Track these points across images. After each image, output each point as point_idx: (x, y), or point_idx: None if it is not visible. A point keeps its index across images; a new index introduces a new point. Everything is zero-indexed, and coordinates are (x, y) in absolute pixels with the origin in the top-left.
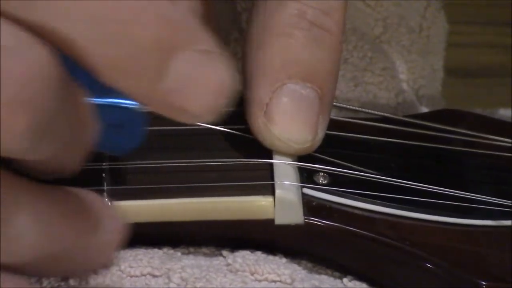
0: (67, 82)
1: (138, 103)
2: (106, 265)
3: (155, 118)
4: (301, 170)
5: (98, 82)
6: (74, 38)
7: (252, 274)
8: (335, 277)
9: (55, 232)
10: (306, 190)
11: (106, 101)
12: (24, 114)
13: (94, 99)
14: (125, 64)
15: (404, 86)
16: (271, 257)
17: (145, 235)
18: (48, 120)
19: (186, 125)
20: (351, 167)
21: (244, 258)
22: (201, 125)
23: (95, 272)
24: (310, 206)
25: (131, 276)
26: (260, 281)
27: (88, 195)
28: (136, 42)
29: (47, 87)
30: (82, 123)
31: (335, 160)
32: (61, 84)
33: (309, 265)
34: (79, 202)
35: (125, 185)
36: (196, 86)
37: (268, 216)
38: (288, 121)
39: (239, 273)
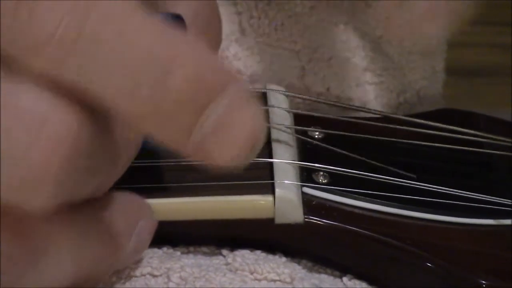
0: (103, 131)
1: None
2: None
3: None
4: (301, 169)
5: None
6: (106, 94)
7: (251, 273)
8: (334, 276)
9: (92, 255)
10: (306, 189)
11: None
12: (54, 177)
13: None
14: (159, 116)
15: (405, 86)
16: (270, 256)
17: None
18: (81, 172)
19: None
20: (351, 166)
21: (244, 257)
22: None
23: None
24: (310, 205)
25: (131, 276)
26: (259, 280)
27: (123, 197)
28: (173, 95)
29: (78, 149)
30: (123, 150)
31: (335, 160)
32: (95, 139)
33: (309, 264)
34: (115, 215)
35: (123, 184)
36: (229, 133)
37: (268, 215)
38: None
39: (239, 272)
